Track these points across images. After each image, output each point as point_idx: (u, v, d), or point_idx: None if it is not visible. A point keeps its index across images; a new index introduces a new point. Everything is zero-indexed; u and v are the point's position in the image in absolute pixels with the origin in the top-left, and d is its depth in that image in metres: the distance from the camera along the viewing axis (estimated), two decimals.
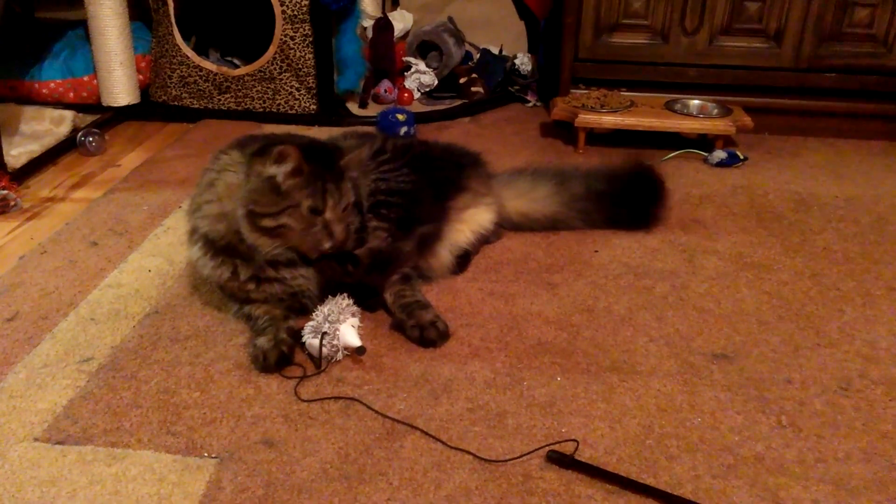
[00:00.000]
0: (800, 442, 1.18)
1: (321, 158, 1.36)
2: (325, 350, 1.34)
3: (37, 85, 2.59)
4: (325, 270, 1.42)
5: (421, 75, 2.84)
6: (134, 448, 1.15)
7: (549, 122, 2.60)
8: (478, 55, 2.94)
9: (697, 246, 1.80)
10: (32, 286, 1.59)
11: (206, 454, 1.14)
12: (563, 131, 2.50)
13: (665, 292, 1.60)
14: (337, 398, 1.27)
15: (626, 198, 1.86)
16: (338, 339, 1.34)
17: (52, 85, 2.60)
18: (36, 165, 2.19)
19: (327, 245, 1.36)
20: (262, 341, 1.35)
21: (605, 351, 1.41)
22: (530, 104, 2.82)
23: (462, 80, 2.88)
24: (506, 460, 1.14)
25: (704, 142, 2.39)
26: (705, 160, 2.31)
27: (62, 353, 1.37)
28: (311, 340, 1.35)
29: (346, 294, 1.42)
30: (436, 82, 2.85)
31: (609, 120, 2.34)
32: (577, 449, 1.15)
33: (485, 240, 1.76)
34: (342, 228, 1.36)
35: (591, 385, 1.31)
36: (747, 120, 2.36)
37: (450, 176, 1.71)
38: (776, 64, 2.52)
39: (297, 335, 1.38)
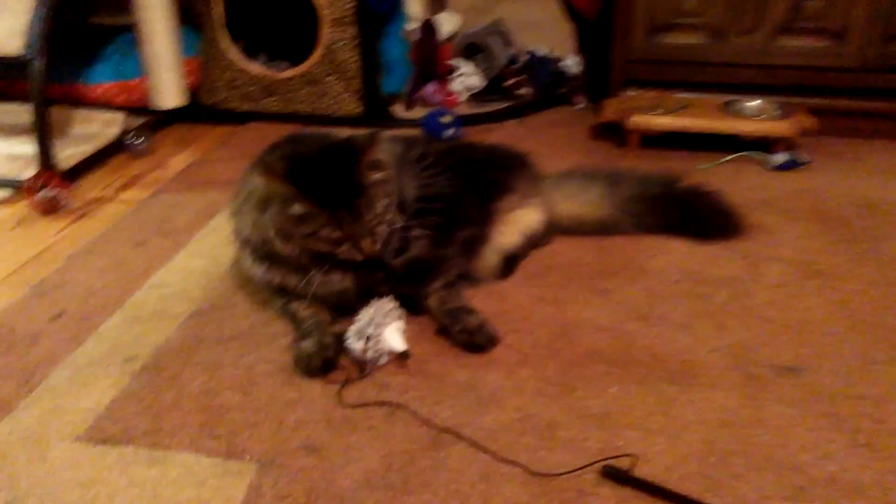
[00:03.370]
0: (877, 462, 1.09)
1: (333, 170, 1.28)
2: (369, 354, 1.30)
3: (88, 88, 2.62)
4: (361, 280, 1.38)
5: (467, 77, 2.79)
6: (174, 450, 1.12)
7: (598, 124, 2.53)
8: (525, 57, 2.89)
9: (759, 252, 1.71)
10: (79, 285, 1.59)
11: (246, 458, 1.11)
12: (614, 134, 2.42)
13: (725, 300, 1.52)
14: (381, 404, 1.23)
15: (685, 203, 1.78)
16: (382, 342, 1.30)
17: (103, 88, 2.63)
18: (86, 166, 2.21)
19: (359, 258, 1.32)
20: (307, 345, 1.32)
21: (663, 361, 1.34)
22: (579, 107, 2.76)
23: (509, 83, 2.83)
24: (558, 474, 1.07)
25: (763, 144, 2.29)
26: (765, 163, 2.22)
27: (106, 353, 1.36)
28: (356, 344, 1.31)
29: (391, 297, 1.38)
30: (482, 85, 2.81)
31: (663, 122, 2.26)
32: (634, 464, 1.09)
33: (533, 243, 1.70)
34: (370, 242, 1.31)
35: (647, 397, 1.24)
36: (810, 121, 2.26)
37: (495, 177, 1.65)
38: (839, 64, 2.41)
39: (341, 339, 1.34)
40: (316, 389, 1.26)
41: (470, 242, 1.54)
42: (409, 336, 1.35)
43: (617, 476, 1.06)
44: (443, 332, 1.41)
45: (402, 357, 1.30)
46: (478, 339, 1.36)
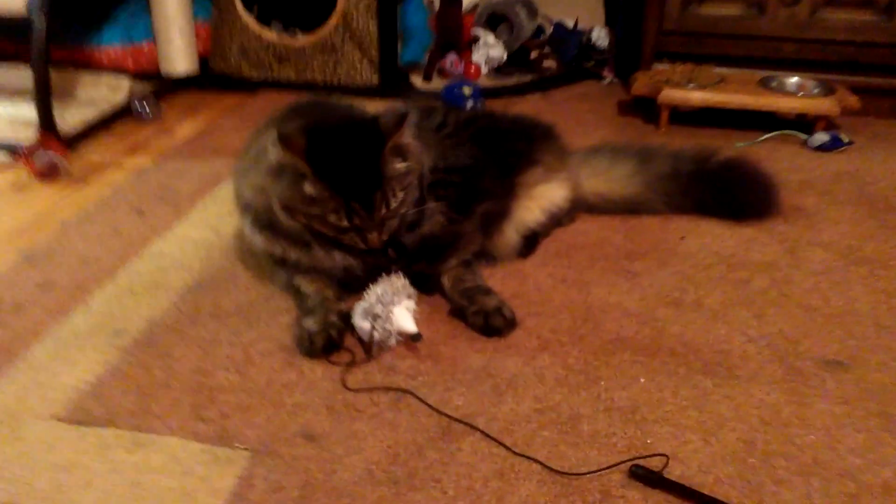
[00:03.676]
0: None
1: (355, 154, 1.17)
2: (376, 334, 1.20)
3: (96, 51, 2.53)
4: (367, 259, 1.27)
5: (489, 48, 2.66)
6: (160, 434, 1.03)
7: (626, 99, 2.41)
8: (551, 28, 2.75)
9: (799, 236, 1.59)
10: (71, 253, 1.50)
11: (238, 445, 1.01)
12: (644, 109, 2.29)
13: (764, 287, 1.40)
14: (387, 389, 1.13)
15: (720, 182, 1.65)
16: (391, 322, 1.20)
17: (112, 51, 2.53)
18: (89, 131, 2.12)
19: (363, 247, 1.22)
20: (310, 323, 1.22)
21: (696, 351, 1.22)
22: (606, 81, 2.62)
23: (533, 55, 2.70)
24: (581, 473, 0.97)
25: (803, 123, 2.15)
26: (805, 143, 2.08)
27: (95, 325, 1.27)
28: (362, 323, 1.21)
29: (401, 273, 1.27)
30: (505, 56, 2.68)
31: (697, 96, 2.13)
32: (666, 464, 0.98)
33: (556, 220, 1.59)
34: (376, 236, 1.20)
35: (680, 389, 1.13)
36: (853, 100, 2.11)
37: (518, 148, 1.54)
38: (886, 39, 2.25)
39: (347, 318, 1.24)
40: (317, 371, 1.16)
41: (489, 218, 1.43)
42: (420, 317, 1.24)
43: (647, 477, 0.95)
44: (457, 313, 1.30)
45: (412, 339, 1.19)
46: (495, 321, 1.25)
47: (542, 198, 1.54)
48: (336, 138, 1.19)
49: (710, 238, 1.58)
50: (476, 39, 2.69)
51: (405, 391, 1.12)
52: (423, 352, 1.21)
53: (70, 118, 2.12)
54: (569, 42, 2.67)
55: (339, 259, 1.26)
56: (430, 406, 1.09)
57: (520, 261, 1.50)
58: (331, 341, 1.20)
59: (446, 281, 1.33)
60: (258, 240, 1.30)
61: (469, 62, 2.63)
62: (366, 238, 1.20)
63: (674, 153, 1.72)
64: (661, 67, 2.32)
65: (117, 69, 2.50)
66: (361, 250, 1.24)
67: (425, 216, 1.34)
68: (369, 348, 1.20)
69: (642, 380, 1.15)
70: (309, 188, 1.17)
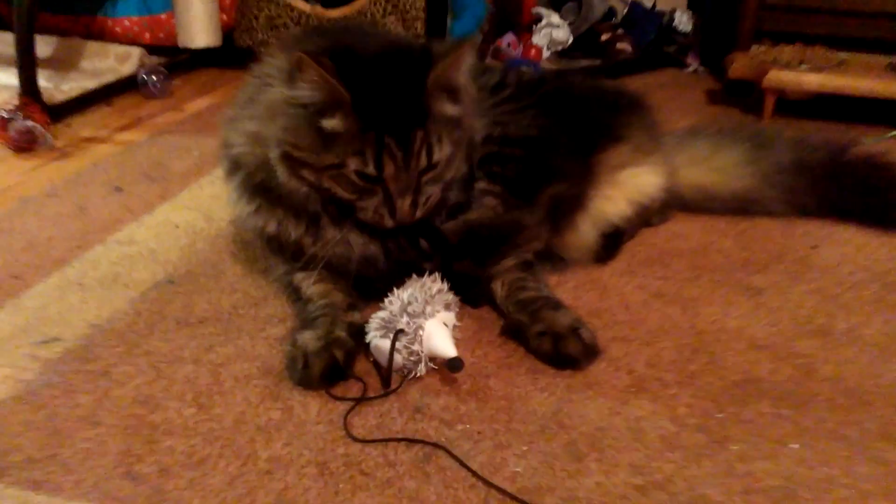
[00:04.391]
0: None
1: (393, 78, 0.84)
2: (399, 358, 0.84)
3: (110, 22, 2.25)
4: (392, 250, 0.92)
5: (553, 29, 2.31)
6: (64, 496, 0.68)
7: (717, 88, 2.03)
8: (625, 9, 2.39)
9: None
10: (20, 235, 1.18)
11: None
12: (741, 98, 1.90)
13: None
14: (411, 442, 0.76)
15: (864, 179, 1.26)
16: (420, 342, 0.84)
17: (127, 22, 2.24)
18: (84, 103, 1.83)
19: (387, 223, 0.88)
20: (308, 338, 0.86)
21: (867, 403, 0.83)
22: (690, 69, 2.24)
23: (604, 38, 2.33)
24: None
25: None
26: None
27: (19, 328, 0.93)
28: (380, 341, 0.85)
29: (437, 275, 0.91)
30: (571, 39, 2.32)
31: (813, 80, 1.73)
32: None
33: (645, 216, 1.21)
34: (408, 204, 0.86)
35: (853, 462, 0.74)
36: None
37: (599, 120, 1.17)
38: None
39: (360, 334, 0.88)
40: (311, 409, 0.81)
41: (559, 207, 1.06)
42: (461, 335, 0.88)
43: None
44: (513, 332, 0.93)
45: (449, 367, 0.83)
46: (568, 347, 0.88)
47: (628, 185, 1.16)
48: (371, 61, 0.85)
49: (852, 248, 1.18)
50: (538, 19, 2.34)
51: (436, 445, 0.75)
52: (465, 387, 0.85)
53: (67, 88, 1.83)
54: (646, 24, 2.30)
55: (356, 244, 0.91)
56: (472, 472, 0.72)
57: (598, 267, 1.12)
58: (334, 366, 0.84)
59: (499, 288, 0.97)
60: (247, 211, 0.95)
61: (529, 44, 2.27)
62: (393, 206, 0.85)
63: (797, 140, 1.33)
64: (762, 49, 1.93)
65: (133, 42, 2.22)
66: (385, 232, 0.89)
67: (474, 199, 0.98)
68: (388, 378, 0.84)
69: (794, 445, 0.76)
70: (330, 122, 0.83)
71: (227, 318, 0.97)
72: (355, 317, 0.91)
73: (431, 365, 0.85)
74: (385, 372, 0.84)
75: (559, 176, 1.06)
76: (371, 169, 0.84)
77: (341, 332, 0.87)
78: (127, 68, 2.03)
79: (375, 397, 0.82)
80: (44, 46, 2.06)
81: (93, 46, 2.11)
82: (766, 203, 1.28)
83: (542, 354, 0.89)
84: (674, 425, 0.80)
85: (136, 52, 2.07)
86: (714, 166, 1.29)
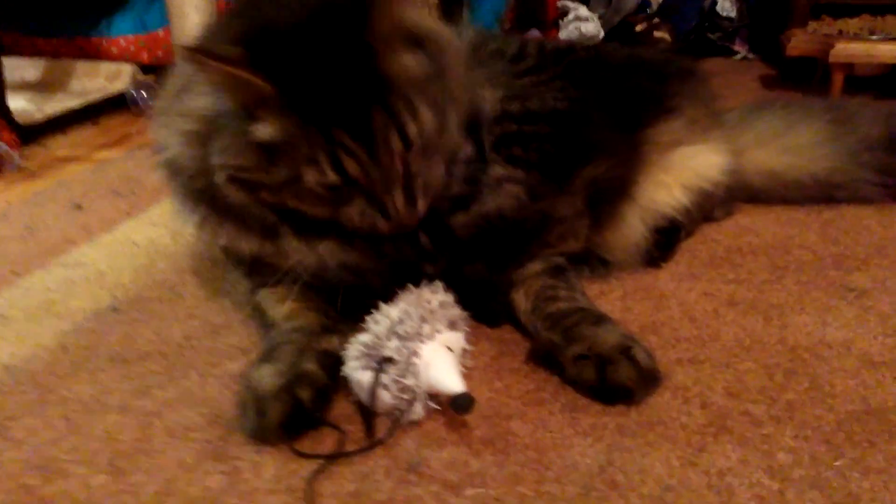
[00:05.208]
0: None
1: (322, 46, 0.62)
2: (387, 396, 0.62)
3: (105, 42, 2.11)
4: (387, 250, 0.70)
5: (582, 23, 2.10)
6: None
7: (771, 74, 1.79)
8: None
9: None
10: None
11: None
12: (801, 79, 1.67)
13: None
14: None
15: None
16: (416, 374, 0.62)
17: (123, 41, 2.11)
18: (66, 123, 1.67)
19: (382, 227, 0.66)
20: (265, 374, 0.64)
21: None
22: (739, 56, 2.00)
23: (639, 28, 2.11)
24: None
25: None
26: None
27: None
28: (361, 374, 0.63)
29: (439, 284, 0.69)
30: (601, 34, 2.10)
31: (887, 51, 1.48)
32: None
33: (707, 206, 0.98)
34: (402, 200, 0.65)
35: None
36: None
37: (644, 88, 0.94)
38: None
39: (337, 365, 0.66)
40: (265, 472, 0.59)
41: (599, 193, 0.83)
42: (473, 363, 0.66)
43: None
44: (544, 357, 0.71)
45: (454, 407, 0.60)
46: (618, 374, 0.65)
47: (683, 167, 0.93)
48: (293, 34, 0.63)
49: None
50: (565, 13, 2.13)
51: None
52: (478, 433, 0.62)
53: (49, 109, 1.68)
54: (686, 11, 2.08)
55: (328, 251, 0.69)
56: None
57: (650, 271, 0.89)
58: (298, 411, 0.62)
59: (523, 299, 0.75)
60: (193, 220, 0.74)
61: (556, 41, 2.07)
62: (384, 205, 0.64)
63: (887, 113, 1.08)
64: (822, 24, 1.69)
65: (130, 62, 2.08)
66: (378, 239, 0.68)
67: (490, 186, 0.76)
68: (371, 424, 0.62)
69: None
70: (263, 131, 0.62)
71: (175, 351, 0.76)
72: (332, 343, 0.69)
73: (432, 404, 0.63)
74: (369, 415, 0.62)
75: (597, 154, 0.83)
76: (332, 177, 0.62)
77: (310, 365, 0.65)
78: (116, 86, 1.88)
79: (354, 452, 0.60)
80: (31, 69, 1.94)
81: (83, 66, 1.97)
82: (854, 187, 1.04)
83: (582, 385, 0.66)
84: (774, 480, 0.56)
85: (127, 70, 1.92)
86: (787, 146, 1.06)
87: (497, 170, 0.79)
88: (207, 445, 0.62)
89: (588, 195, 0.82)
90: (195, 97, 0.67)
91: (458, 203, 0.74)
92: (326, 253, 0.69)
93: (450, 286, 0.70)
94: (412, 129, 0.63)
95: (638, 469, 0.58)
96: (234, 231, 0.71)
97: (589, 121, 0.85)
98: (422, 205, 0.67)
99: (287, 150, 0.63)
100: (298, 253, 0.69)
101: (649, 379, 0.66)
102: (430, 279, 0.70)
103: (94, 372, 0.72)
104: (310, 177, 0.63)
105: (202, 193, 0.71)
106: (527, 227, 0.77)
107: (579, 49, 1.01)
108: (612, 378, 0.65)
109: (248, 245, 0.71)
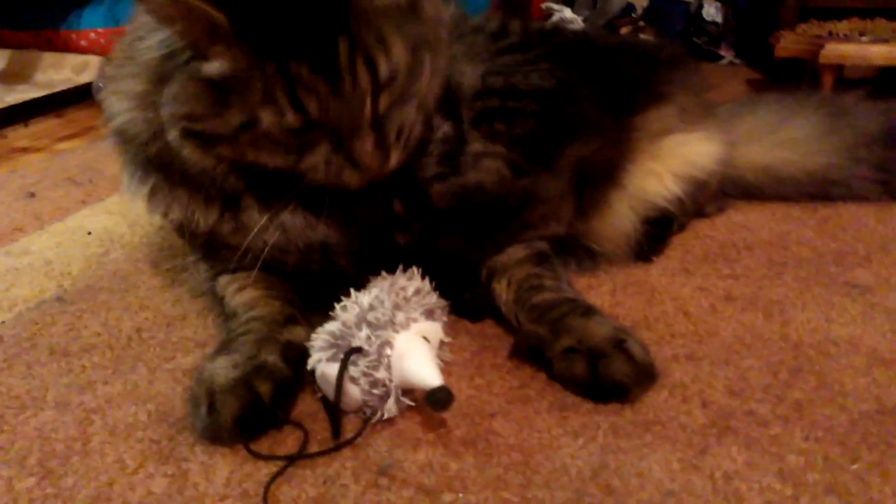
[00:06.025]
0: None
1: None
2: (356, 391, 0.55)
3: (74, 35, 2.04)
4: (357, 225, 0.64)
5: (566, 25, 2.06)
6: None
7: (758, 78, 1.76)
8: (645, 2, 2.14)
9: None
10: None
11: None
12: (790, 83, 1.63)
13: None
14: None
15: None
16: (388, 366, 0.55)
17: (93, 35, 2.03)
18: (28, 114, 1.59)
19: (350, 179, 0.59)
20: (220, 367, 0.58)
21: None
22: (724, 61, 1.97)
23: (624, 31, 2.08)
24: None
25: None
26: None
27: None
28: (327, 367, 0.57)
29: (415, 270, 0.63)
30: None
31: (879, 51, 1.45)
32: None
33: (698, 200, 0.92)
34: (371, 143, 0.58)
35: None
36: None
37: (634, 74, 0.89)
38: None
39: (301, 358, 0.59)
40: (217, 475, 0.52)
41: (585, 174, 0.78)
42: (452, 357, 0.60)
43: None
44: (529, 351, 0.64)
45: (432, 403, 0.54)
46: (611, 368, 0.59)
47: (675, 155, 0.88)
48: None
49: None
50: (549, 15, 2.10)
51: None
52: (458, 433, 0.56)
53: (10, 99, 1.61)
54: (672, 15, 2.05)
55: (293, 228, 0.63)
56: None
57: (640, 265, 0.83)
58: (255, 407, 0.55)
59: (504, 288, 0.69)
60: (140, 194, 0.67)
61: None
62: (351, 151, 0.57)
63: (885, 107, 1.04)
64: (810, 26, 1.66)
65: (99, 55, 2.01)
66: (354, 197, 0.61)
67: (471, 160, 0.70)
68: (337, 422, 0.55)
69: None
70: (213, 66, 0.55)
71: (123, 344, 0.69)
72: (297, 334, 0.62)
73: (405, 401, 0.57)
74: (335, 412, 0.55)
75: (584, 132, 0.78)
76: (291, 117, 0.55)
77: (270, 357, 0.58)
78: (83, 78, 1.81)
79: (318, 453, 0.54)
80: None
81: (49, 58, 1.90)
82: (851, 184, 1.00)
83: (572, 381, 0.60)
84: (786, 485, 0.50)
85: (94, 61, 1.85)
86: (781, 140, 1.01)
87: (476, 146, 0.73)
88: (152, 445, 0.55)
89: (573, 177, 0.76)
90: (143, 49, 0.60)
91: (437, 175, 0.68)
92: (291, 227, 0.63)
93: (426, 270, 0.64)
94: (382, 63, 0.56)
95: (635, 472, 0.52)
96: (189, 201, 0.64)
97: (576, 99, 0.80)
98: (395, 155, 0.60)
99: (241, 88, 0.55)
100: (260, 228, 0.62)
101: (645, 374, 0.60)
102: (404, 258, 0.63)
103: (32, 365, 0.65)
104: (267, 118, 0.55)
105: (155, 160, 0.64)
106: (508, 203, 0.71)
107: (567, 32, 0.96)
108: (605, 373, 0.59)
109: (204, 218, 0.64)
